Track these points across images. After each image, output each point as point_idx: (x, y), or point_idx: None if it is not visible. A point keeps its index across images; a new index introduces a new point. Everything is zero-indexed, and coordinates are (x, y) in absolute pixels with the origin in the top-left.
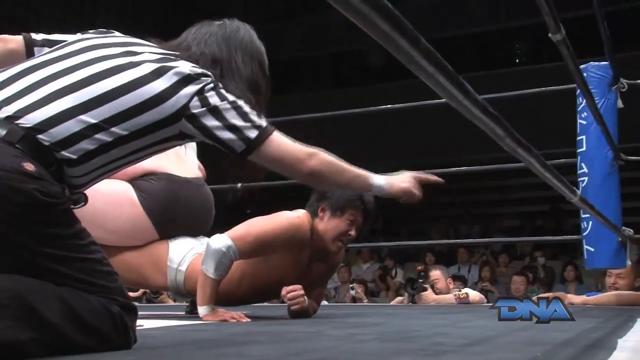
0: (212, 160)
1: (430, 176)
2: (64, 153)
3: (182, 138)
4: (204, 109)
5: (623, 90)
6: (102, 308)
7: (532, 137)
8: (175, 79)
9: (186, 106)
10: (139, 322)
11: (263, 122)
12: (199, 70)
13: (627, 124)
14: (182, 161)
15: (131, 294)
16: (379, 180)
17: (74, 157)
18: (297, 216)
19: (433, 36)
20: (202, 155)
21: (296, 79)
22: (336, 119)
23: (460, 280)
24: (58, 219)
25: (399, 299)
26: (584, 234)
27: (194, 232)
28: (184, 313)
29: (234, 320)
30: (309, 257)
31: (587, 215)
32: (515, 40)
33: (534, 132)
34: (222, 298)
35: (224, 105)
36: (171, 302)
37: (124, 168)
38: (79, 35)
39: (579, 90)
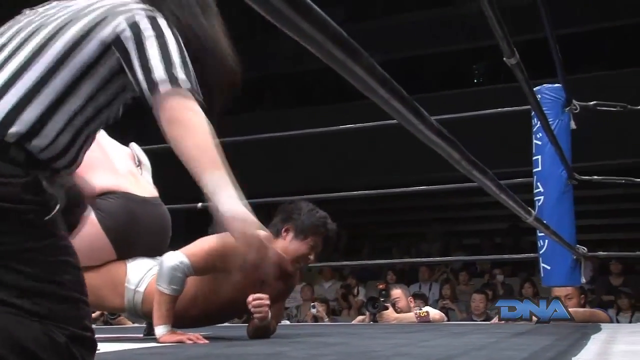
0: (167, 180)
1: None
2: (19, 129)
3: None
4: (132, 35)
5: (576, 111)
6: (45, 337)
7: (490, 157)
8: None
9: (120, 32)
10: None
11: (183, 77)
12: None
13: (579, 144)
14: (138, 181)
15: None
16: (230, 199)
17: (36, 121)
18: None
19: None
20: (156, 175)
21: (262, 97)
22: (298, 137)
23: (421, 299)
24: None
25: (360, 317)
26: (541, 252)
27: (151, 252)
28: (142, 335)
29: (191, 342)
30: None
31: (543, 234)
32: (473, 61)
33: (492, 151)
34: (177, 319)
35: (152, 40)
36: (129, 324)
37: (92, 129)
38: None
39: (534, 112)
